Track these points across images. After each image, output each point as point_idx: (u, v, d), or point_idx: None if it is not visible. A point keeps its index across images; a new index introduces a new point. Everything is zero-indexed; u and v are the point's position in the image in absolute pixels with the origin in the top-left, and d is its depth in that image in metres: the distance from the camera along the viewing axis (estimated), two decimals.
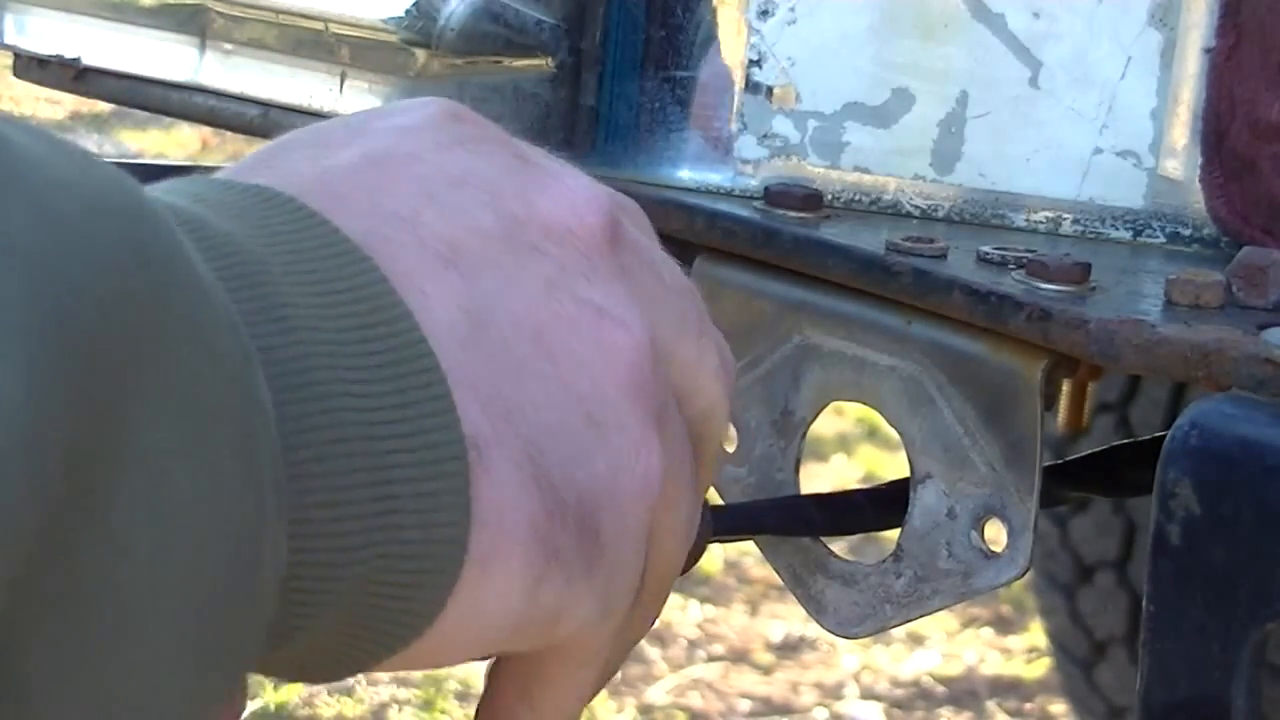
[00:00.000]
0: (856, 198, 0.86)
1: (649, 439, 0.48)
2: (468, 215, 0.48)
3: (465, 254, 0.47)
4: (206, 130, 4.08)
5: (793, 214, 0.82)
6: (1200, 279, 0.73)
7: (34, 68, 1.12)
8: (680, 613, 2.74)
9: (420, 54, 0.87)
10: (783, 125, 0.86)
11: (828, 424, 3.21)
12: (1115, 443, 0.95)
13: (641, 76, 0.87)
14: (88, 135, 4.70)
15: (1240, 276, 0.73)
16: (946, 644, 2.73)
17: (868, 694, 2.59)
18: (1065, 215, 0.85)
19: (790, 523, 0.83)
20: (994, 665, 2.69)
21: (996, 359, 0.76)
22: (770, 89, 0.85)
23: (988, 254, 0.77)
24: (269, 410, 0.41)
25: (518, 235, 0.48)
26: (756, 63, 0.85)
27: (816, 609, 0.84)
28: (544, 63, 0.87)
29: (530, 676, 0.50)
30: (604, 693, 2.46)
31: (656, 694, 2.54)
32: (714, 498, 0.83)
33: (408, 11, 0.86)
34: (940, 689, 2.62)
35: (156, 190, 0.43)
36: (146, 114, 1.50)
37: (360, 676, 2.45)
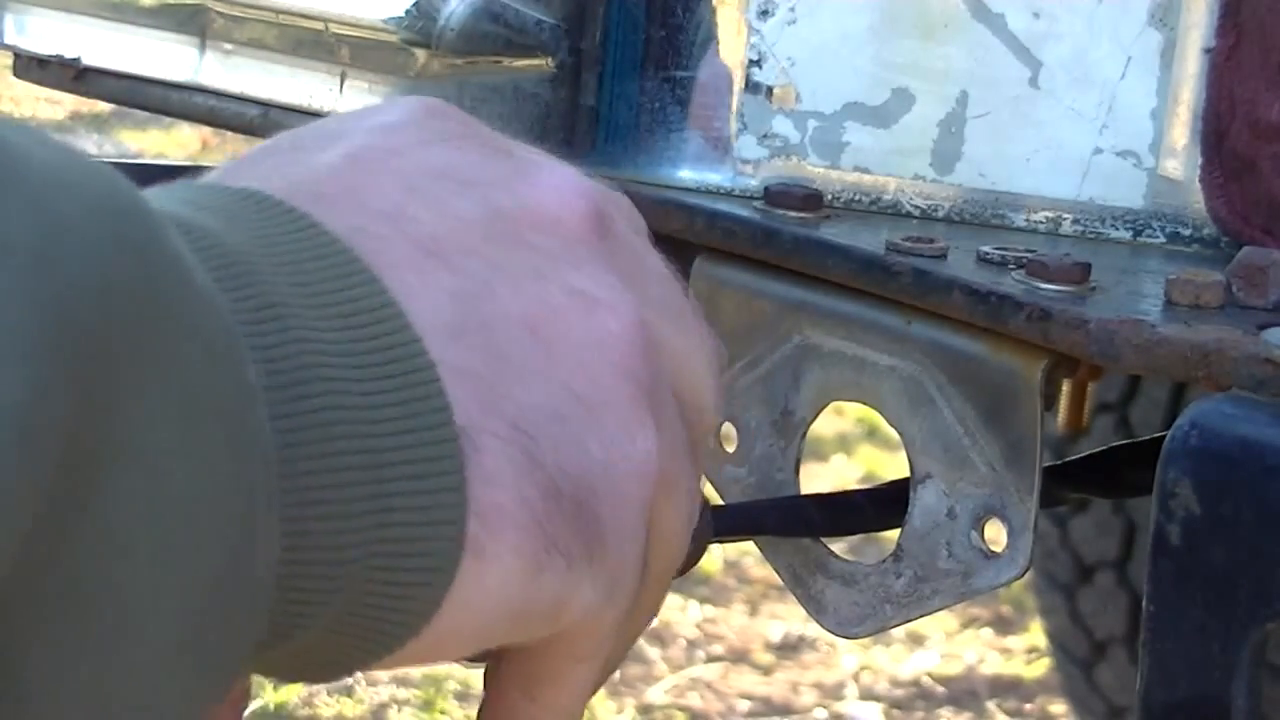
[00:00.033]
0: (856, 198, 0.86)
1: (643, 421, 0.48)
2: (451, 208, 0.48)
3: (451, 246, 0.47)
4: (206, 130, 4.09)
5: (793, 214, 0.82)
6: (1200, 279, 0.73)
7: (34, 68, 1.12)
8: (680, 613, 2.74)
9: (420, 54, 0.87)
10: (783, 125, 0.86)
11: (828, 424, 3.21)
12: (1115, 443, 0.95)
13: (641, 76, 0.87)
14: (88, 135, 4.70)
15: (1240, 276, 0.73)
16: (946, 644, 2.73)
17: (867, 694, 2.59)
18: (1065, 215, 0.85)
19: (790, 523, 0.83)
20: (994, 665, 2.69)
21: (996, 359, 0.76)
22: (770, 89, 0.85)
23: (988, 254, 0.77)
24: (262, 405, 0.41)
25: (503, 227, 0.48)
26: (756, 63, 0.85)
27: (816, 609, 0.84)
28: (544, 63, 0.87)
29: (532, 672, 0.50)
30: (604, 693, 2.46)
31: (656, 694, 2.54)
32: (714, 498, 0.83)
33: (408, 11, 0.86)
34: (940, 689, 2.62)
35: (146, 195, 0.44)
36: (146, 114, 1.50)
37: (360, 676, 2.45)
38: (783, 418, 0.83)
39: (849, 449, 3.24)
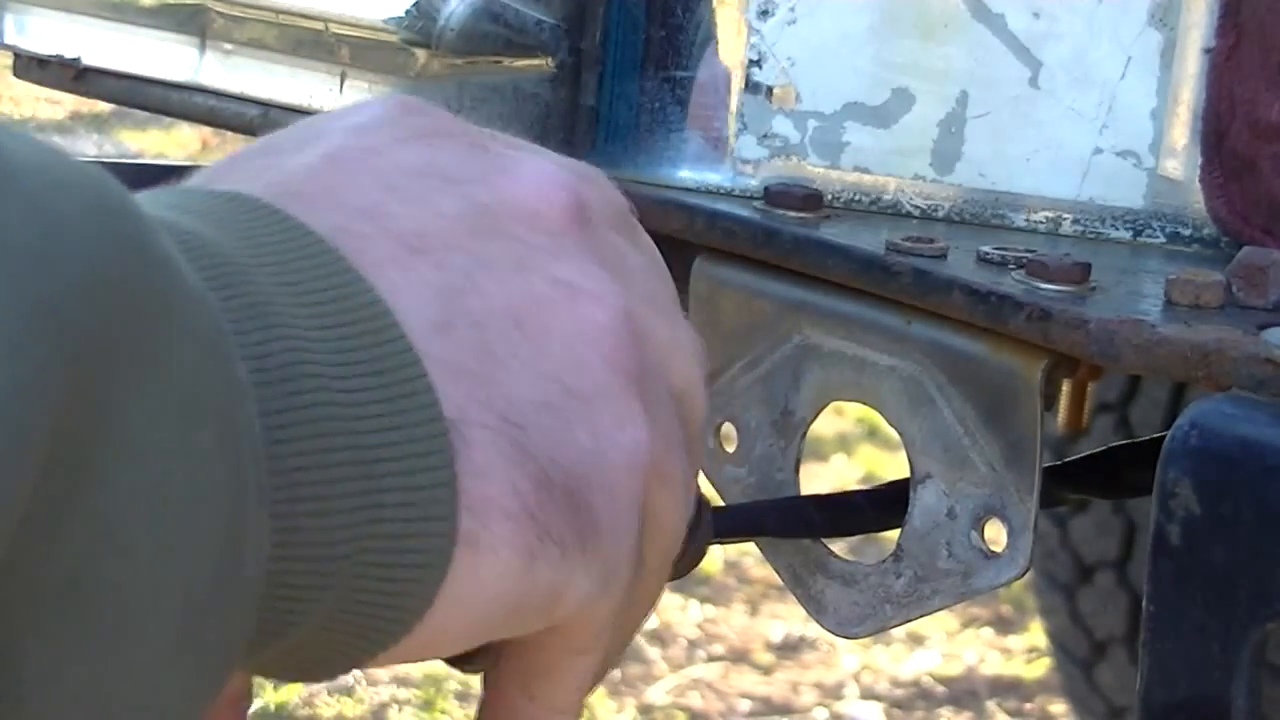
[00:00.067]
0: (856, 198, 0.86)
1: (633, 409, 0.48)
2: (431, 204, 0.48)
3: (433, 241, 0.47)
4: (206, 130, 4.08)
5: (793, 214, 0.82)
6: (1200, 279, 0.73)
7: (34, 68, 1.12)
8: (680, 613, 2.74)
9: (420, 54, 0.87)
10: (783, 125, 0.86)
11: (828, 424, 3.21)
12: (1115, 443, 0.95)
13: (641, 76, 0.87)
14: (88, 135, 4.70)
15: (1240, 276, 0.73)
16: (946, 644, 2.73)
17: (868, 694, 2.59)
18: (1065, 215, 0.85)
19: (790, 523, 0.83)
20: (994, 665, 2.69)
21: (996, 359, 0.76)
22: (770, 89, 0.85)
23: (988, 254, 0.77)
24: (252, 403, 0.41)
25: (484, 220, 0.48)
26: (756, 63, 0.85)
27: (816, 609, 0.84)
28: (544, 63, 0.87)
29: (530, 668, 0.50)
30: (604, 692, 2.46)
31: (656, 694, 2.54)
32: (714, 498, 0.83)
33: (408, 11, 0.86)
34: (940, 689, 2.62)
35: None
36: (146, 114, 1.50)
37: (360, 676, 2.45)
38: (783, 418, 0.83)
39: (849, 449, 3.24)
